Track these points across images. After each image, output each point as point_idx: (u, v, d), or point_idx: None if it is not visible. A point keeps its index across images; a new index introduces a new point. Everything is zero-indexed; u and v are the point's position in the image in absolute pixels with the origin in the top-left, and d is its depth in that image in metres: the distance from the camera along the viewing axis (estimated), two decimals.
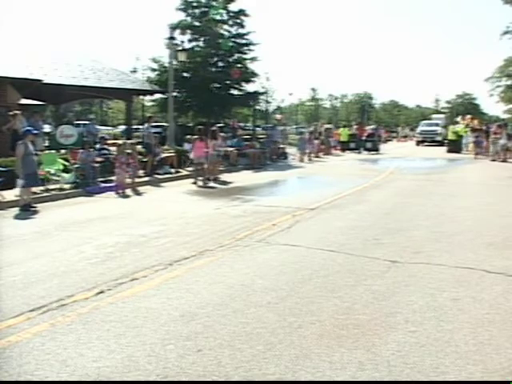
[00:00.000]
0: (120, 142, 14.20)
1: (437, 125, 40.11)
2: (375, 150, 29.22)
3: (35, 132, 10.67)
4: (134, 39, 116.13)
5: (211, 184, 14.27)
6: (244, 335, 3.98)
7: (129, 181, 12.66)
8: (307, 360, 3.58)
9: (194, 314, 4.40)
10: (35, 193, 10.59)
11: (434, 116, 52.24)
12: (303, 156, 22.90)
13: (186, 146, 17.52)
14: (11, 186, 10.77)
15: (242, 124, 39.27)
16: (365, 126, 35.15)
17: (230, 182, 14.62)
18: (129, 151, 13.39)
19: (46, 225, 8.31)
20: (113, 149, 15.77)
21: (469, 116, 36.06)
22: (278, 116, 51.04)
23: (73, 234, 7.65)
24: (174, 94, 22.22)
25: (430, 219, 8.81)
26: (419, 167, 20.77)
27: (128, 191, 12.24)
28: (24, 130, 10.91)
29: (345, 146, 29.72)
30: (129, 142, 15.90)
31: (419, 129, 40.90)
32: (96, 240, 7.12)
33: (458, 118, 36.73)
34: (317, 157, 24.62)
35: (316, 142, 25.76)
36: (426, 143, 37.46)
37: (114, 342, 3.86)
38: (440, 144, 35.00)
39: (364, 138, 30.86)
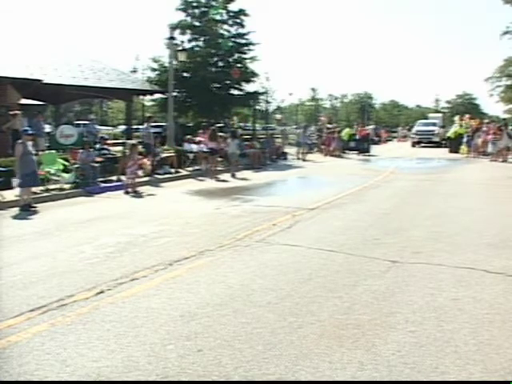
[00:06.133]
0: (133, 142, 14.35)
1: (434, 124, 37.86)
2: (367, 151, 28.13)
3: (31, 133, 10.60)
4: (134, 39, 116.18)
5: (211, 184, 14.27)
6: (244, 335, 3.98)
7: (130, 180, 12.68)
8: (307, 360, 3.58)
9: (194, 313, 4.41)
10: (35, 193, 10.58)
11: (431, 115, 49.65)
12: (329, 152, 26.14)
13: (186, 146, 17.56)
14: (10, 186, 10.78)
15: (242, 124, 39.12)
16: (364, 126, 34.50)
17: (229, 182, 14.61)
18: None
19: (46, 225, 8.32)
20: (113, 149, 15.79)
21: (467, 115, 35.78)
22: (278, 116, 51.00)
23: (73, 234, 7.66)
24: (174, 94, 22.19)
25: (430, 219, 8.82)
26: (419, 167, 20.76)
27: (128, 191, 12.25)
28: (22, 130, 10.90)
29: (345, 146, 29.56)
30: (130, 142, 15.93)
31: (415, 129, 38.23)
32: (96, 240, 7.12)
33: (456, 118, 36.23)
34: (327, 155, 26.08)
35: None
36: (423, 144, 35.55)
37: (113, 341, 3.86)
38: (438, 145, 34.01)
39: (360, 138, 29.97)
